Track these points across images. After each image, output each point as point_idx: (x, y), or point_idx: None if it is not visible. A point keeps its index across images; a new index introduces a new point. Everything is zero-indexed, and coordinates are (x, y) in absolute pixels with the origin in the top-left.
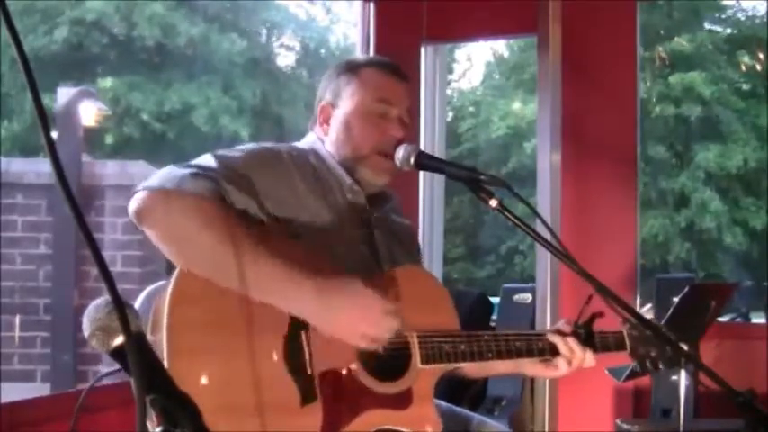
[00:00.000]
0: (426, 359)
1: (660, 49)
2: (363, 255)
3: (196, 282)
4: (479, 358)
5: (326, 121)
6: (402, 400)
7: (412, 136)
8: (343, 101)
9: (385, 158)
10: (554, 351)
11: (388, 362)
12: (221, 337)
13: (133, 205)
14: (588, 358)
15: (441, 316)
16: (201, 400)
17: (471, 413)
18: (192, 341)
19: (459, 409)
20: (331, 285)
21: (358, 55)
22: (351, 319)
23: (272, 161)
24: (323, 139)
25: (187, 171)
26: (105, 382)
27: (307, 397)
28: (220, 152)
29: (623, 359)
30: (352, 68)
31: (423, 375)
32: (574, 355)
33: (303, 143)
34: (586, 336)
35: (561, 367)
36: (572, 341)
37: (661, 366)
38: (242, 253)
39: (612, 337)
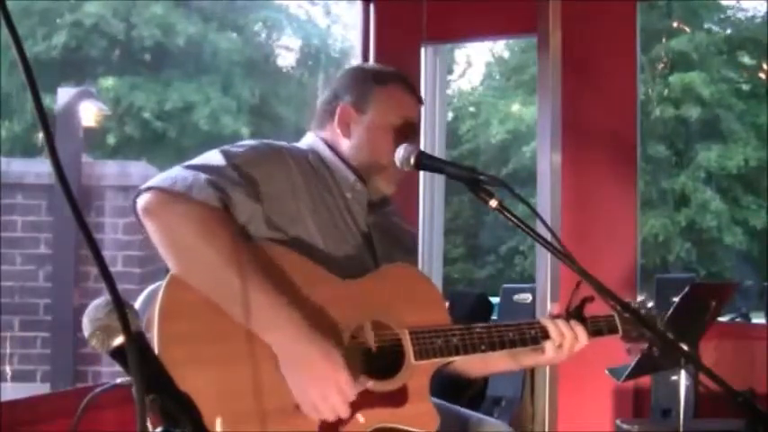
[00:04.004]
0: (420, 355)
1: (662, 53)
2: (360, 253)
3: (184, 292)
4: (472, 351)
5: (345, 124)
6: (398, 398)
7: None
8: (372, 109)
9: (398, 169)
10: (546, 338)
11: (383, 360)
12: (212, 346)
13: (140, 203)
14: (581, 337)
15: (432, 314)
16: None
17: (469, 411)
18: (182, 354)
19: (456, 408)
20: (312, 341)
21: (380, 66)
22: (309, 384)
23: (274, 157)
24: (329, 139)
25: (200, 176)
26: (106, 385)
27: None
28: (227, 148)
29: (623, 359)
30: (380, 79)
31: (417, 371)
32: (564, 338)
33: (302, 143)
34: (578, 321)
35: (548, 350)
36: (561, 323)
37: (655, 349)
38: (239, 271)
39: (604, 321)
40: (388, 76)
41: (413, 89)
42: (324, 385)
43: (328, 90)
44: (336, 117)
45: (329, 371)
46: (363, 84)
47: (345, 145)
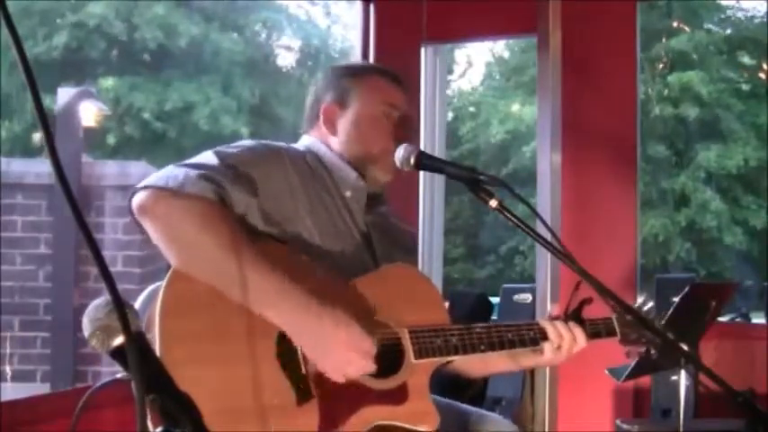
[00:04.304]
0: (419, 353)
1: (662, 53)
2: (359, 253)
3: (185, 290)
4: (472, 351)
5: (331, 122)
6: (398, 396)
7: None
8: (353, 103)
9: (392, 157)
10: (545, 339)
11: (382, 358)
12: (212, 343)
13: (135, 202)
14: (579, 339)
15: (432, 314)
16: (198, 406)
17: (470, 407)
18: (183, 352)
19: (457, 404)
20: (326, 314)
21: (354, 60)
22: (334, 353)
23: (271, 157)
24: (324, 140)
25: (191, 172)
26: (106, 380)
27: (302, 396)
28: (221, 149)
29: (623, 359)
30: (356, 73)
31: (417, 370)
32: (562, 339)
33: (299, 145)
34: (576, 323)
35: (546, 352)
36: (559, 324)
37: (653, 352)
38: (241, 260)
39: (603, 323)
40: (365, 68)
41: (394, 79)
42: (344, 349)
43: (311, 95)
44: (321, 118)
45: (344, 334)
46: (341, 80)
47: (336, 142)
